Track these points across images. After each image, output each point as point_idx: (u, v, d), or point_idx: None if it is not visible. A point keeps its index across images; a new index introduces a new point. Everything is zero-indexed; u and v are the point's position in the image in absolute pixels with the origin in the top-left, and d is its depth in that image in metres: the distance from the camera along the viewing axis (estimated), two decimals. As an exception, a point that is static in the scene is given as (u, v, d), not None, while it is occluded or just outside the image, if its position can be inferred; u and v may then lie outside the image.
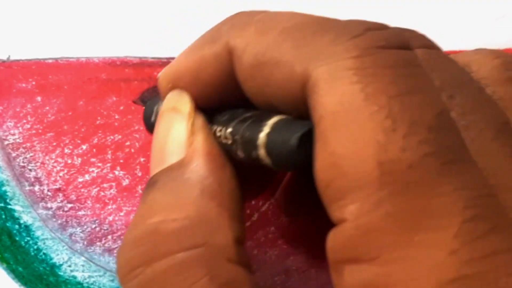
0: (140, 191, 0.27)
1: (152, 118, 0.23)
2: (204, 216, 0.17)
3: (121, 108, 0.28)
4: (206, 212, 0.17)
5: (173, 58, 0.29)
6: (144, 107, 0.23)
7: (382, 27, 0.16)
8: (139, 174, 0.27)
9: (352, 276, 0.15)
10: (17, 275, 0.26)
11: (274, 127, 0.17)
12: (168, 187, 0.18)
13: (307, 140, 0.16)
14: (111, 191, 0.27)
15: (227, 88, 0.19)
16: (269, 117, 0.18)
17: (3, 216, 0.27)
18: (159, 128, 0.20)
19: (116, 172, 0.27)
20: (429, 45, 0.17)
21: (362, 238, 0.14)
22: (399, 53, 0.16)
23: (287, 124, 0.17)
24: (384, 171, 0.14)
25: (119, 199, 0.27)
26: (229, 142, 0.19)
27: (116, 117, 0.28)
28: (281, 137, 0.17)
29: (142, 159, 0.28)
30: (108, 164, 0.28)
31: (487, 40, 0.29)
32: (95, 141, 0.28)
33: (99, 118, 0.28)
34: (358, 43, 0.15)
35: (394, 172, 0.14)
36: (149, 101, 0.23)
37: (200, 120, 0.19)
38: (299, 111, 0.17)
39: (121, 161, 0.28)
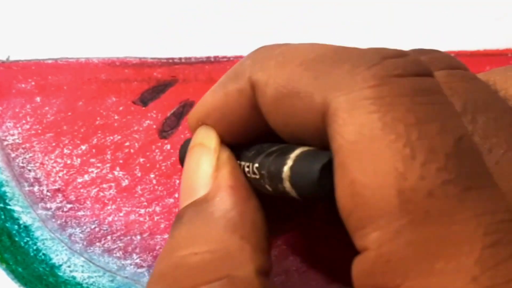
0: (140, 192, 0.27)
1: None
2: (226, 249, 0.18)
3: (121, 108, 0.28)
4: (228, 245, 0.18)
5: (172, 59, 0.29)
6: (180, 150, 0.24)
7: (399, 55, 0.17)
8: (139, 174, 0.27)
9: None
10: (17, 276, 0.26)
11: (297, 160, 0.17)
12: (193, 221, 0.18)
13: (330, 170, 0.16)
14: (111, 191, 0.27)
15: (253, 122, 0.19)
16: (292, 150, 0.18)
17: (3, 217, 0.27)
18: (187, 163, 0.20)
19: (116, 173, 0.27)
20: (453, 66, 0.17)
21: (384, 267, 0.14)
22: (416, 81, 0.16)
23: (309, 155, 0.17)
24: (404, 199, 0.14)
25: (118, 199, 0.27)
26: (257, 177, 0.19)
27: (116, 117, 0.28)
28: (303, 168, 0.17)
29: (141, 160, 0.28)
30: (108, 165, 0.28)
31: (488, 40, 0.29)
32: (95, 141, 0.28)
33: (98, 118, 0.28)
34: (375, 72, 0.16)
35: (413, 200, 0.14)
36: (185, 142, 0.24)
37: (225, 155, 0.20)
38: (322, 141, 0.17)
39: (121, 161, 0.28)
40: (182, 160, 0.24)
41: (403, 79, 0.16)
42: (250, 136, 0.20)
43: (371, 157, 0.15)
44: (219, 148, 0.20)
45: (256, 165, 0.19)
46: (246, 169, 0.20)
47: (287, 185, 0.17)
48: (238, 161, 0.20)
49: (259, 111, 0.19)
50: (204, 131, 0.21)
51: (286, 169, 0.17)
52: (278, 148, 0.19)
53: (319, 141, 0.17)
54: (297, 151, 0.18)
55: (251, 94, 0.19)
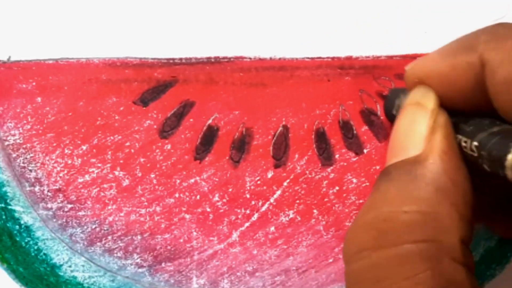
0: (140, 192, 0.27)
1: (394, 112, 0.23)
2: (435, 213, 0.18)
3: (121, 108, 0.28)
4: (438, 210, 0.18)
5: (173, 59, 0.29)
6: (385, 99, 0.24)
7: None
8: (139, 174, 0.28)
9: None
10: (18, 276, 0.27)
11: None
12: (402, 180, 0.19)
13: None
14: (111, 191, 0.27)
15: (476, 97, 0.19)
16: None
17: (4, 217, 0.27)
18: (400, 121, 0.20)
19: (116, 173, 0.28)
20: None
21: None
22: None
23: None
24: None
25: (119, 199, 0.27)
26: (475, 154, 0.19)
27: (116, 117, 0.28)
28: None
29: (142, 160, 0.28)
30: (108, 165, 0.28)
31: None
32: (95, 141, 0.28)
33: (99, 118, 0.28)
34: None
35: None
36: (390, 92, 0.24)
37: (442, 118, 0.20)
38: None
39: (121, 161, 0.28)
40: (388, 114, 0.24)
41: None
42: (468, 108, 0.20)
43: None
44: (437, 110, 0.20)
45: (475, 143, 0.19)
46: (463, 144, 0.19)
47: (509, 173, 0.17)
48: (455, 134, 0.20)
49: (485, 88, 0.19)
50: (423, 91, 0.20)
51: (510, 157, 0.17)
52: (501, 129, 0.18)
53: None
54: None
55: (481, 71, 0.19)
